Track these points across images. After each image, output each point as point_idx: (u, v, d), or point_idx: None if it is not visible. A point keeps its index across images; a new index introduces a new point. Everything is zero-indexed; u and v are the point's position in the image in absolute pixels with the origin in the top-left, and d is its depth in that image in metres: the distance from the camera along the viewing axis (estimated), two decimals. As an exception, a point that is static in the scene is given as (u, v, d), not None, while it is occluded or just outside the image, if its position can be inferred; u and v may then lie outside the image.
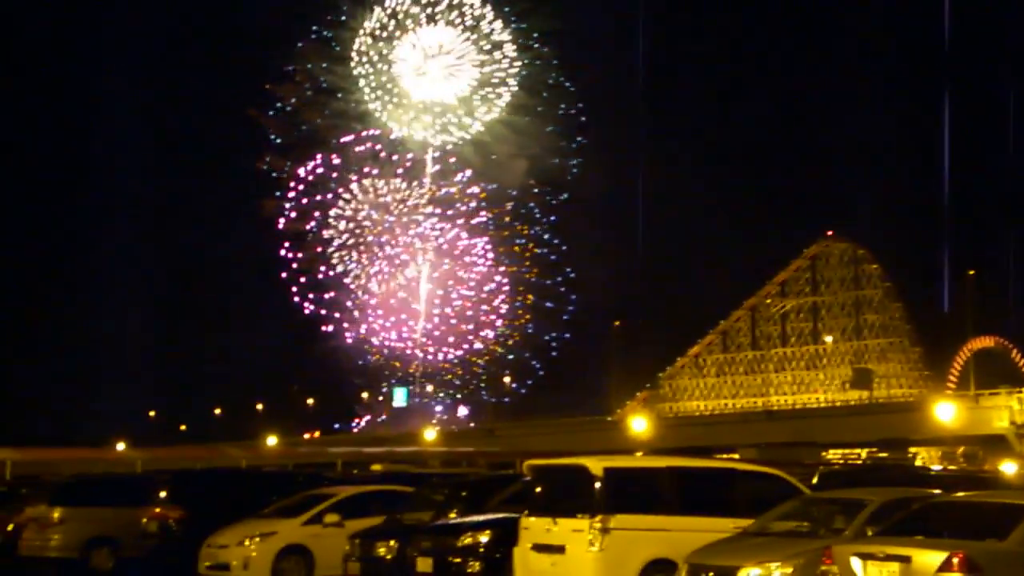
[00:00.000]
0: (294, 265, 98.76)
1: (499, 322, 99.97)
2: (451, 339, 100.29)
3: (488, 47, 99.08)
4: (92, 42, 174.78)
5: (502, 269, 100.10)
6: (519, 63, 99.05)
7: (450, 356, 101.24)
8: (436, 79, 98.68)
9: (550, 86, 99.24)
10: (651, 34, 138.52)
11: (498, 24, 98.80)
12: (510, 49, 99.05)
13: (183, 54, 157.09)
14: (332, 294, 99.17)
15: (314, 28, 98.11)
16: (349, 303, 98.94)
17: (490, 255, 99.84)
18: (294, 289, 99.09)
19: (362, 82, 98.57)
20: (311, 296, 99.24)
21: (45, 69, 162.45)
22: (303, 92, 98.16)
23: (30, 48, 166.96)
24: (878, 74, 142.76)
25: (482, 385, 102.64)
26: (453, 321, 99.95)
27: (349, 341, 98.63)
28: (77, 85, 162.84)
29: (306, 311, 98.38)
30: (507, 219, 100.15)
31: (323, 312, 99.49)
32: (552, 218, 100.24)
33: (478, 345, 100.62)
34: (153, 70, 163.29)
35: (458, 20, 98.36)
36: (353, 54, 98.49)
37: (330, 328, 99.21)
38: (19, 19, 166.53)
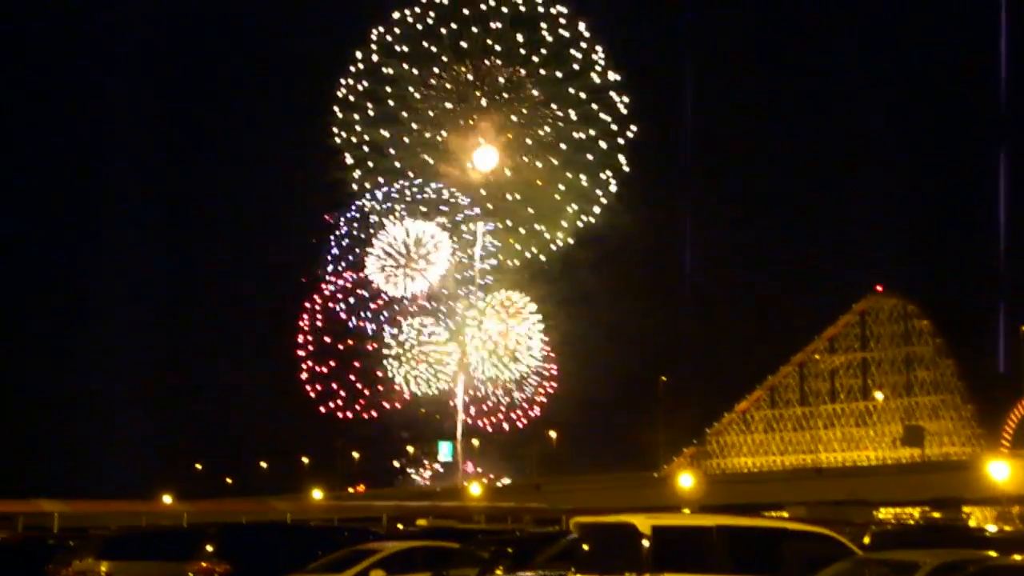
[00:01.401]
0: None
1: (546, 377, 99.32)
2: (498, 395, 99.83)
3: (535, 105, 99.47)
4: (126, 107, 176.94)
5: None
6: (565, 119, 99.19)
7: (496, 410, 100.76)
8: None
9: (594, 138, 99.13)
10: (696, 81, 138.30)
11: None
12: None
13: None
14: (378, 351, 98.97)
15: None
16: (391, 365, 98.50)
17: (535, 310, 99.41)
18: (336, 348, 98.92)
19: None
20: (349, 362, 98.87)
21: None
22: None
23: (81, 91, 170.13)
24: (931, 129, 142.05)
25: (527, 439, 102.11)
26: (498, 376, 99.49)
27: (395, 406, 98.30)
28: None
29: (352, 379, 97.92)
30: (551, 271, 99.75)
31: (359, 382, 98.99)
32: (597, 271, 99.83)
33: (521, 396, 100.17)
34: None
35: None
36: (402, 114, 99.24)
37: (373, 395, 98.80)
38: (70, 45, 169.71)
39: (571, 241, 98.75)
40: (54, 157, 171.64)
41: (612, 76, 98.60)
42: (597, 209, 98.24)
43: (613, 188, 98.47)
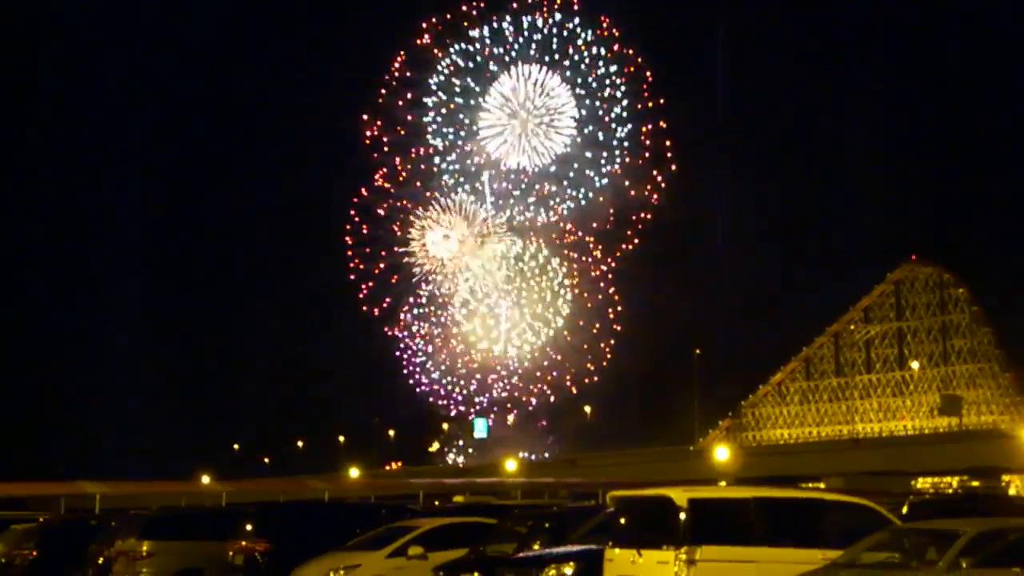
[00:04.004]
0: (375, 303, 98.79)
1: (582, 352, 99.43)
2: (532, 369, 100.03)
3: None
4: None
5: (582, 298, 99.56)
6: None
7: (531, 386, 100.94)
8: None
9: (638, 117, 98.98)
10: (732, 53, 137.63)
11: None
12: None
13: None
14: (417, 326, 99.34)
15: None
16: (428, 338, 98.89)
17: (574, 283, 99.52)
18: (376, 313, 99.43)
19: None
20: (395, 330, 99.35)
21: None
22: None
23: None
24: (968, 95, 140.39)
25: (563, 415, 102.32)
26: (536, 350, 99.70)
27: (429, 377, 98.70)
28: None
29: (399, 339, 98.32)
30: (590, 247, 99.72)
31: (404, 347, 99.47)
32: (633, 246, 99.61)
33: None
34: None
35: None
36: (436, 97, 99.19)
37: (415, 360, 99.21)
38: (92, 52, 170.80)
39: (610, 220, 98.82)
40: (83, 123, 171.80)
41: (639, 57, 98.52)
42: (632, 186, 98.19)
43: (651, 167, 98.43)
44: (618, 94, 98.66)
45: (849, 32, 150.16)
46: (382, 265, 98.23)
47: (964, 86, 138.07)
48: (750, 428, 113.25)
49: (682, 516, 16.17)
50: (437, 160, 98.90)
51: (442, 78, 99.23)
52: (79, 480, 56.53)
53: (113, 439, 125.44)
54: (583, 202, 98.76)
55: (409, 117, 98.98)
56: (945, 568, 14.37)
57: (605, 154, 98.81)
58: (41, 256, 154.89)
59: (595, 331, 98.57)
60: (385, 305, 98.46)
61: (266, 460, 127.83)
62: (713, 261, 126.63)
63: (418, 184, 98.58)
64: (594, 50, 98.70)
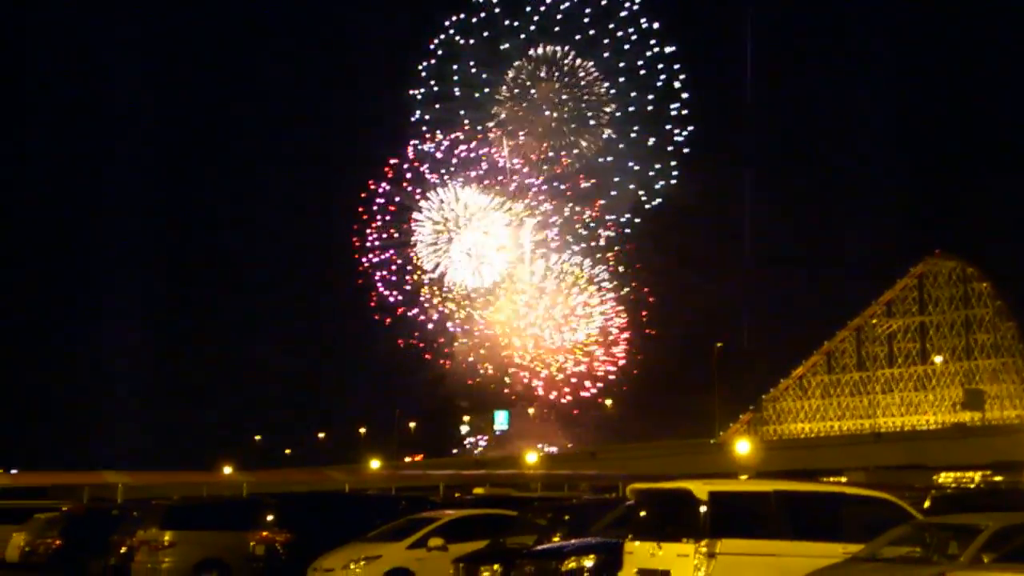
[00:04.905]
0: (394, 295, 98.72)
1: (601, 344, 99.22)
2: (552, 361, 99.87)
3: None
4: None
5: (604, 288, 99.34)
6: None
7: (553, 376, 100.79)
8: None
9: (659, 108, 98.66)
10: (756, 39, 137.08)
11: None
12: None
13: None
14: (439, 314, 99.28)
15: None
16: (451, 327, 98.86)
17: (594, 277, 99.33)
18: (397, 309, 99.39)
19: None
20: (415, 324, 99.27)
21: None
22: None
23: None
24: (991, 86, 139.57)
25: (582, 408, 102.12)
26: (555, 342, 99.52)
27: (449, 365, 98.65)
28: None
29: (426, 326, 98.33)
30: (611, 238, 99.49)
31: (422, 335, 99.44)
32: (652, 236, 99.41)
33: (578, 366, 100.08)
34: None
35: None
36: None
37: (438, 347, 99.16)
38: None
39: (628, 217, 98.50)
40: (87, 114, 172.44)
41: (668, 48, 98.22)
42: (656, 180, 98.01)
43: (672, 160, 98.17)
44: (647, 86, 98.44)
45: (877, 25, 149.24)
46: (399, 260, 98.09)
47: (990, 80, 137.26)
48: (771, 422, 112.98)
49: (702, 509, 16.14)
50: (462, 145, 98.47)
51: (466, 73, 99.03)
52: (102, 470, 56.93)
53: (135, 430, 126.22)
54: (614, 194, 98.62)
55: (437, 105, 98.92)
56: (967, 563, 14.30)
57: (629, 148, 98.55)
58: (62, 248, 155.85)
59: (617, 325, 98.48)
60: (404, 297, 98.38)
61: (287, 451, 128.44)
62: (736, 255, 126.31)
63: (439, 174, 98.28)
64: (622, 35, 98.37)
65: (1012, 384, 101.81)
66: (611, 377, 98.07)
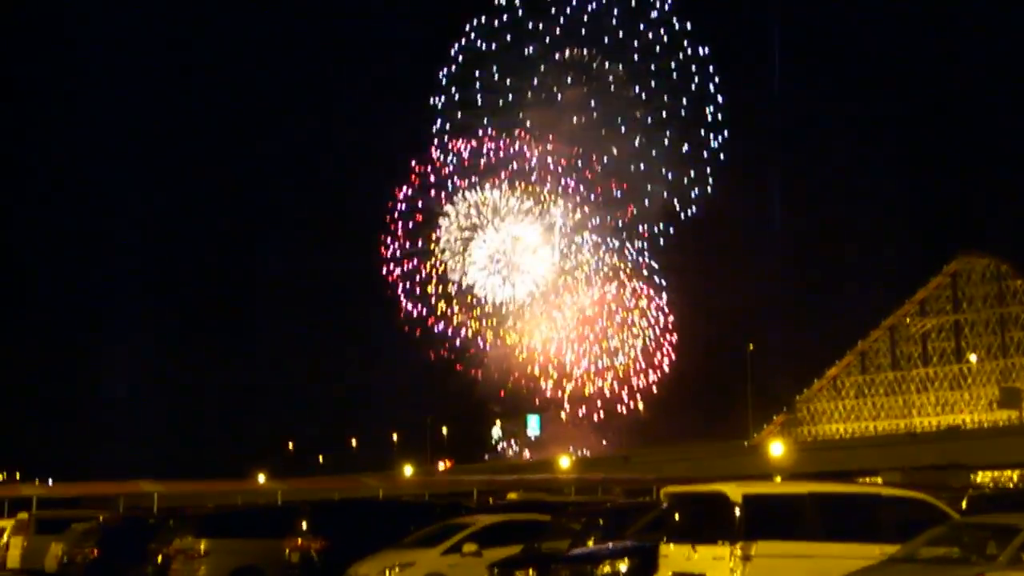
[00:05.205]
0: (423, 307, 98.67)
1: (637, 346, 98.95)
2: (586, 365, 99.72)
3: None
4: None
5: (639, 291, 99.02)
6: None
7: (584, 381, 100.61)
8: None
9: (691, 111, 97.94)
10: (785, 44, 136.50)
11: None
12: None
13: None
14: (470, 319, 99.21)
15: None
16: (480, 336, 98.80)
17: (628, 281, 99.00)
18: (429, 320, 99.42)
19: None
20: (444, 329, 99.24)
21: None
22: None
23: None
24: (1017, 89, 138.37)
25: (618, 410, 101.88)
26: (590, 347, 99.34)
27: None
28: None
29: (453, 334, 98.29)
30: (644, 240, 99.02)
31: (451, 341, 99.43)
32: (683, 239, 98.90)
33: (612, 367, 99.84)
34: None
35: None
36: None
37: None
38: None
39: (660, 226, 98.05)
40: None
41: (701, 50, 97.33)
42: (685, 181, 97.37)
43: (703, 161, 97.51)
44: (677, 89, 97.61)
45: (907, 23, 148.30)
46: (424, 269, 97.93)
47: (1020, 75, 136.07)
48: (805, 423, 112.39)
49: (737, 512, 16.09)
50: (490, 151, 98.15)
51: (490, 78, 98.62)
52: (137, 480, 57.35)
53: (168, 439, 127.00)
54: (647, 202, 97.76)
55: (459, 113, 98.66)
56: (1006, 563, 14.17)
57: (661, 154, 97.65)
58: (95, 254, 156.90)
59: (650, 328, 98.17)
60: (430, 310, 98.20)
61: (320, 459, 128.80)
62: (768, 254, 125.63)
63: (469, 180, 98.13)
64: (653, 37, 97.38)
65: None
66: (644, 385, 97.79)
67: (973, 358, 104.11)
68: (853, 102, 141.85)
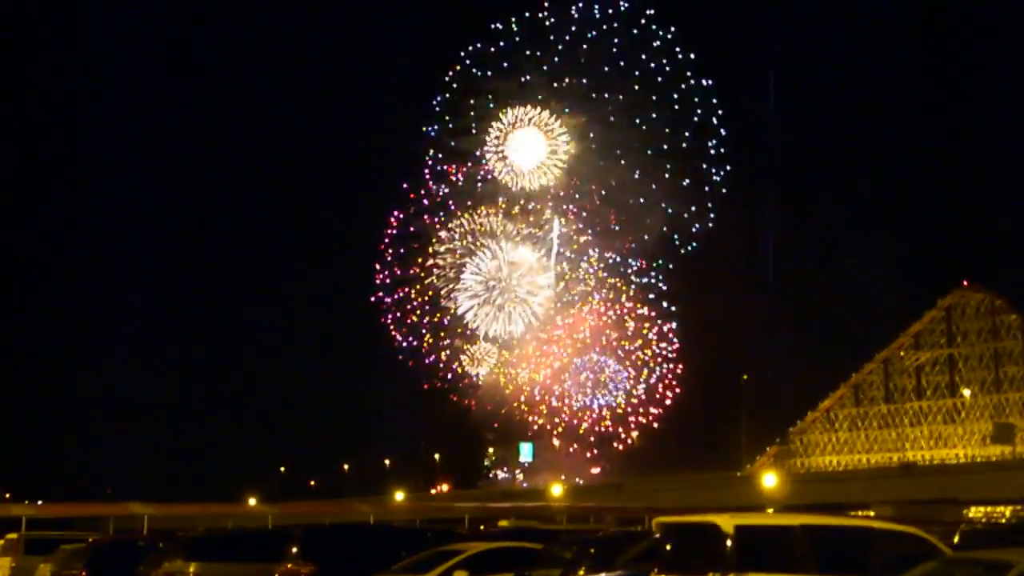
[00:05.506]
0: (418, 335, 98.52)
1: (627, 376, 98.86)
2: (578, 394, 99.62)
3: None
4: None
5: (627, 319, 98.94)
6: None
7: (576, 408, 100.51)
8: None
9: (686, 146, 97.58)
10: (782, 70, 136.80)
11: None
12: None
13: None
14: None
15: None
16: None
17: (619, 307, 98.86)
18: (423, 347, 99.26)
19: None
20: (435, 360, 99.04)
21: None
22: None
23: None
24: (1016, 116, 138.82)
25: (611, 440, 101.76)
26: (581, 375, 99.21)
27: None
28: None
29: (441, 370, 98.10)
30: (639, 269, 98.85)
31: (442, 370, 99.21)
32: (675, 269, 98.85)
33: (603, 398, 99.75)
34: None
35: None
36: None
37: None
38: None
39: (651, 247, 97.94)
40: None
41: (704, 82, 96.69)
42: (685, 216, 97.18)
43: (701, 189, 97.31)
44: (678, 121, 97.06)
45: (904, 44, 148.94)
46: (416, 299, 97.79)
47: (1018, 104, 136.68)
48: (798, 455, 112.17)
49: (729, 543, 16.04)
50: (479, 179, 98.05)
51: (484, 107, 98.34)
52: (127, 501, 57.02)
53: (159, 461, 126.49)
54: (646, 236, 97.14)
55: (452, 142, 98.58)
56: (997, 599, 14.13)
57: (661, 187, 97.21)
58: (81, 268, 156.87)
59: (643, 358, 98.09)
60: (419, 342, 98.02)
61: (312, 483, 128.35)
62: (762, 286, 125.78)
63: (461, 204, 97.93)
64: (655, 67, 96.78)
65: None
66: (644, 422, 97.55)
67: (967, 392, 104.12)
68: (851, 129, 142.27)
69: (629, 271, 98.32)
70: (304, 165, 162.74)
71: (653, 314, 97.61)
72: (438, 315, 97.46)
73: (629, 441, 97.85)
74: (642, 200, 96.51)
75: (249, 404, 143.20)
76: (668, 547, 17.64)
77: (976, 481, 79.06)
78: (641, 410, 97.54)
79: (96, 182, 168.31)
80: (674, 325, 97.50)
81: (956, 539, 24.62)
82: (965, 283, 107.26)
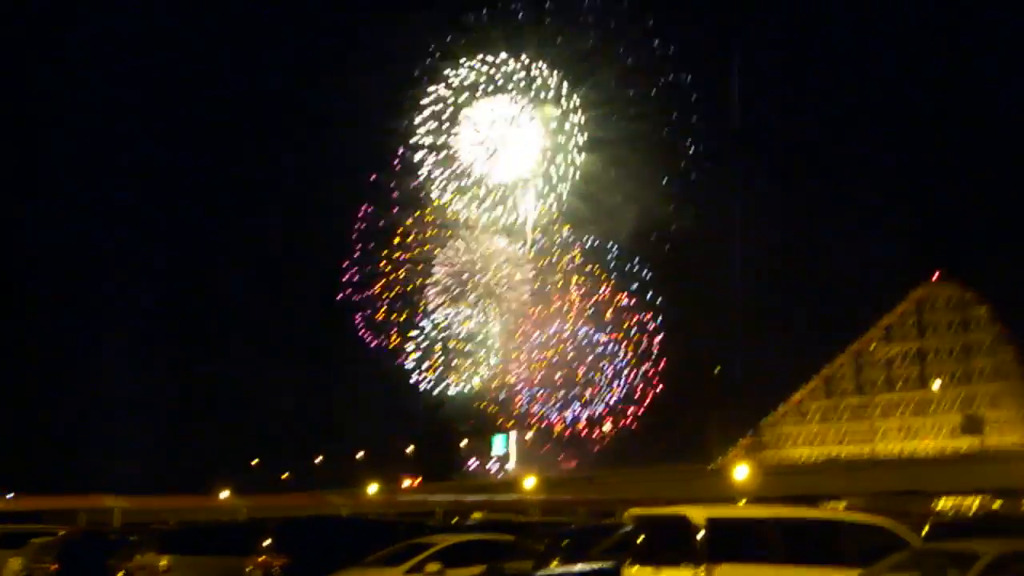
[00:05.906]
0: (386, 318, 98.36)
1: (599, 368, 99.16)
2: (550, 387, 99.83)
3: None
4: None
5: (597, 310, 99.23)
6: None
7: (549, 402, 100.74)
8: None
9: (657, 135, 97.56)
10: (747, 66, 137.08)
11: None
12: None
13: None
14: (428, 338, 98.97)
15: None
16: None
17: (589, 299, 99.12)
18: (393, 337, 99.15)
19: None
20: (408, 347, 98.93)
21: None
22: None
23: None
24: (990, 112, 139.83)
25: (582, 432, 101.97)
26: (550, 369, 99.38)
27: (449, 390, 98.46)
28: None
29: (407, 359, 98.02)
30: (606, 263, 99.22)
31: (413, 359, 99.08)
32: (649, 262, 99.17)
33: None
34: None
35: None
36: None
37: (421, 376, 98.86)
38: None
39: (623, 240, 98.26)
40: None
41: (678, 75, 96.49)
42: (654, 203, 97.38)
43: (671, 183, 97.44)
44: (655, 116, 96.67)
45: (873, 43, 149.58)
46: (391, 281, 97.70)
47: (992, 100, 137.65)
48: (770, 447, 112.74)
49: (700, 535, 16.13)
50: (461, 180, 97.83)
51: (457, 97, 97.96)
52: (99, 494, 56.77)
53: (131, 453, 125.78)
54: (621, 230, 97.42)
55: (426, 130, 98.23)
56: (965, 589, 14.27)
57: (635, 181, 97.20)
58: (60, 267, 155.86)
59: (615, 350, 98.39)
60: (389, 342, 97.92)
61: (284, 475, 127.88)
62: (732, 278, 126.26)
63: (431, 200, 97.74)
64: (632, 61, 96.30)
65: (1011, 409, 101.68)
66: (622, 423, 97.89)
67: (936, 385, 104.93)
68: (819, 122, 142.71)
69: (609, 258, 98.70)
70: (277, 157, 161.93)
71: (633, 303, 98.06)
72: (406, 312, 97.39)
73: (600, 433, 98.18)
74: (619, 196, 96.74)
75: (220, 397, 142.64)
76: (640, 539, 17.72)
77: (945, 472, 79.80)
78: (619, 408, 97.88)
79: (96, 182, 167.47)
80: (656, 320, 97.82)
81: (925, 530, 24.81)
82: (936, 276, 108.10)
